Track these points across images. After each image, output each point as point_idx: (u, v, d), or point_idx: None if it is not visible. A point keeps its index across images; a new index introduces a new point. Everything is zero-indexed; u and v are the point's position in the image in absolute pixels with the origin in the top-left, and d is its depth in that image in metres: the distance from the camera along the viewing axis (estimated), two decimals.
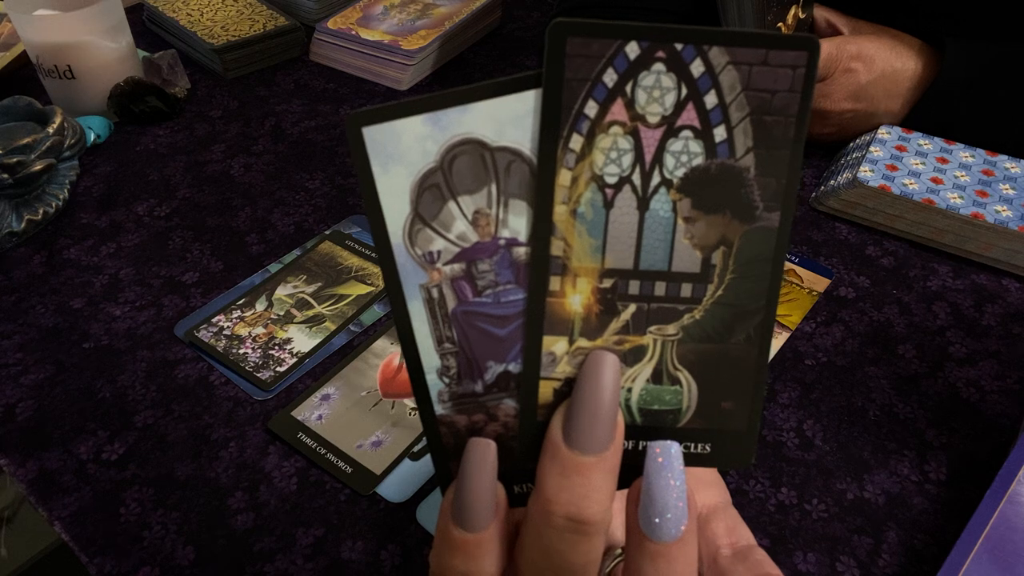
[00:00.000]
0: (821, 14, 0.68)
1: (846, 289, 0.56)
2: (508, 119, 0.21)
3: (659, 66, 0.20)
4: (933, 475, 0.44)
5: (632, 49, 0.20)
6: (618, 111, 0.21)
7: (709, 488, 0.28)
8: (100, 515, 0.42)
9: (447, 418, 0.23)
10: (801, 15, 0.66)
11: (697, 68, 0.20)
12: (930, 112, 0.63)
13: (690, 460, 0.23)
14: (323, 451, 0.45)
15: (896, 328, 0.53)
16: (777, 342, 0.52)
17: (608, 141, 0.21)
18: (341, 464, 0.44)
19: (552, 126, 0.21)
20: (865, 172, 0.59)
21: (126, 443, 0.46)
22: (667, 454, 0.21)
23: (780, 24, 0.63)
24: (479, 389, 0.23)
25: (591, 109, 0.21)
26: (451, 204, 0.22)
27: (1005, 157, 0.61)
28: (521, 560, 0.22)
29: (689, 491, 0.21)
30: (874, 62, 0.62)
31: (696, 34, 0.20)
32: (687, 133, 0.21)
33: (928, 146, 0.62)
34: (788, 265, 0.57)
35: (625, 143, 0.21)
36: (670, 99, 0.21)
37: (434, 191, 0.21)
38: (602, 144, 0.21)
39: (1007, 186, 0.58)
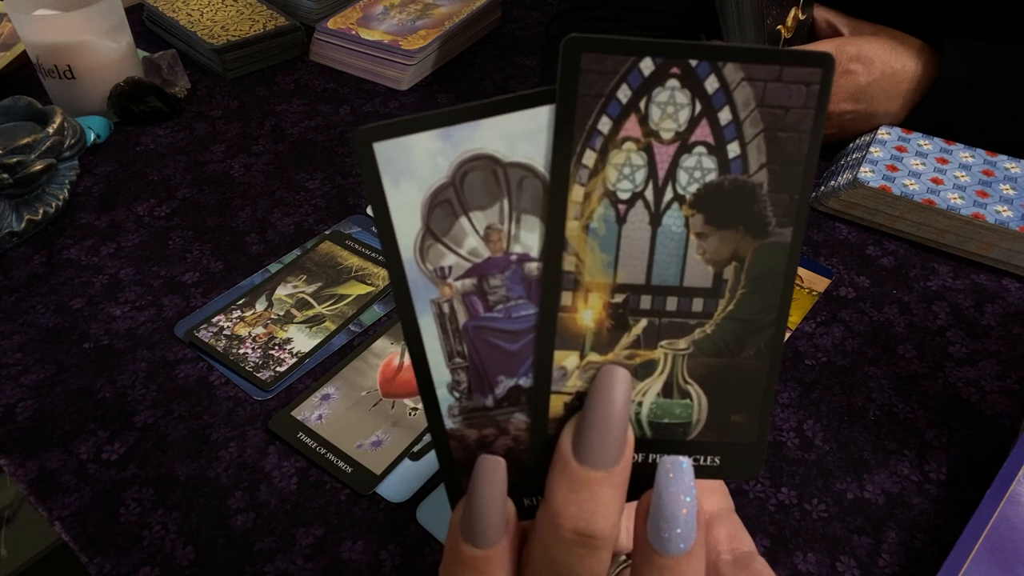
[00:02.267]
0: (821, 14, 0.68)
1: (846, 289, 0.56)
2: (521, 135, 0.21)
3: (673, 82, 0.20)
4: (933, 475, 0.44)
5: (646, 65, 0.20)
6: (632, 127, 0.21)
7: (712, 494, 0.28)
8: (100, 515, 0.42)
9: (457, 432, 0.23)
10: (801, 16, 0.66)
11: (711, 84, 0.20)
12: (930, 113, 0.63)
13: (699, 472, 0.23)
14: (323, 451, 0.45)
15: (896, 328, 0.53)
16: None
17: (621, 157, 0.21)
18: (341, 464, 0.44)
19: (565, 142, 0.21)
20: (865, 173, 0.59)
21: (126, 443, 0.46)
22: (678, 470, 0.21)
23: (780, 26, 0.63)
24: (490, 403, 0.23)
25: (604, 125, 0.21)
26: (463, 220, 0.22)
27: (1005, 157, 0.61)
28: (527, 571, 0.22)
29: (698, 505, 0.21)
30: (873, 63, 0.62)
31: (711, 50, 0.20)
32: (701, 149, 0.21)
33: (928, 146, 0.62)
34: None
35: (638, 159, 0.21)
36: (684, 115, 0.21)
37: (446, 207, 0.21)
38: (615, 160, 0.21)
39: (1007, 186, 0.58)
